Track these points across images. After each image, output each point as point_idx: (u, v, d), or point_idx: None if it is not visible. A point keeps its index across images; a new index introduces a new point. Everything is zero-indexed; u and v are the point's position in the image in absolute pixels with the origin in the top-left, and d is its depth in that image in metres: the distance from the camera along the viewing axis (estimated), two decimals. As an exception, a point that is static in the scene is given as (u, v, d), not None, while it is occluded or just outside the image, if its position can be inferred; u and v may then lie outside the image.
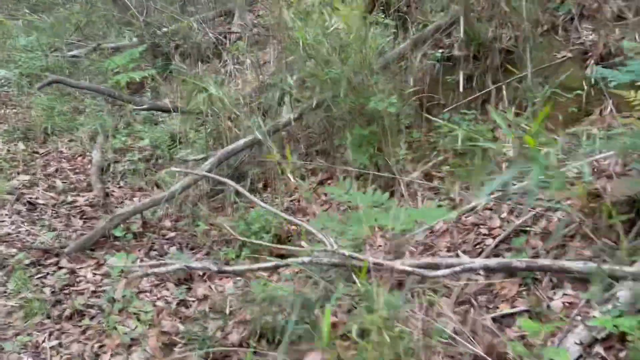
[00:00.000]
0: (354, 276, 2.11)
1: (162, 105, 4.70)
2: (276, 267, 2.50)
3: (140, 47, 6.99)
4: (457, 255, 2.59)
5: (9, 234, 3.66)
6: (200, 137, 4.38)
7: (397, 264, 2.20)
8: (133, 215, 3.49)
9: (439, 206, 2.94)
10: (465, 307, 2.27)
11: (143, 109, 4.56)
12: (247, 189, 3.79)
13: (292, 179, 3.17)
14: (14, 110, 6.76)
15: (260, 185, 3.88)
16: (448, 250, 2.75)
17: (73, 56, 7.64)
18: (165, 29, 7.35)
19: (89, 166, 4.97)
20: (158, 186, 4.38)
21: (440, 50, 4.13)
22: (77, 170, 4.94)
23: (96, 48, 7.81)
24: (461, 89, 3.87)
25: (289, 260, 2.36)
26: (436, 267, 2.22)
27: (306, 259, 2.30)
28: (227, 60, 6.85)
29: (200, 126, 4.75)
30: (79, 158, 5.18)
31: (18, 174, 4.75)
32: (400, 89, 3.80)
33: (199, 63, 7.16)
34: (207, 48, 7.14)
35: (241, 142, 3.77)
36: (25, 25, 7.48)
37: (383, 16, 4.21)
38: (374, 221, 2.51)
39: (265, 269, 2.62)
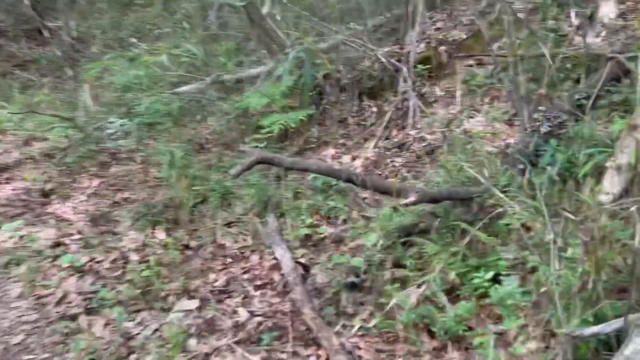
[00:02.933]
0: None
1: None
2: None
3: (285, 80, 5.27)
4: None
5: None
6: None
7: None
8: None
9: None
10: None
11: (415, 202, 2.67)
12: None
13: None
14: (127, 167, 5.19)
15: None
16: None
17: (192, 93, 6.04)
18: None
19: (276, 274, 3.20)
20: (432, 335, 2.51)
21: None
22: (259, 283, 3.18)
23: (215, 81, 6.21)
24: None
25: None
26: None
27: None
28: (406, 93, 5.02)
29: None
30: (254, 257, 3.42)
31: (176, 295, 3.03)
32: None
33: (362, 96, 5.44)
34: (370, 76, 5.33)
35: None
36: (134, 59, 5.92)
37: None
38: None
39: None
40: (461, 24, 5.37)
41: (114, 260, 3.43)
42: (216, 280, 3.22)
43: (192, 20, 7.09)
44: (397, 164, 4.25)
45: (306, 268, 3.20)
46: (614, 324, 1.72)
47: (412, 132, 4.62)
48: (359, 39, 5.45)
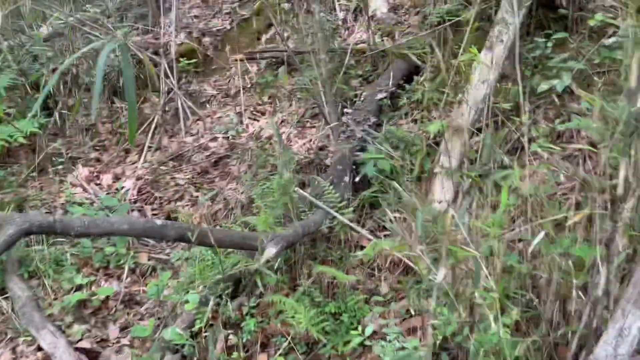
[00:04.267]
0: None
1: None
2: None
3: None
4: None
5: None
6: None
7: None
8: None
9: None
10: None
11: (278, 255, 1.87)
12: None
13: None
14: None
15: None
16: None
17: None
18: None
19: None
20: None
21: None
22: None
23: None
24: None
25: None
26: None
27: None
28: (170, 92, 4.18)
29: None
30: (4, 354, 2.26)
31: None
32: None
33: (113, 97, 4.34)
34: (121, 72, 4.29)
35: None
36: None
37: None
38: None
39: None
40: (221, 12, 4.76)
41: None
42: (-61, 413, 1.99)
43: None
44: (180, 182, 3.46)
45: (94, 354, 2.24)
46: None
47: (189, 140, 3.86)
48: (97, 25, 4.36)
